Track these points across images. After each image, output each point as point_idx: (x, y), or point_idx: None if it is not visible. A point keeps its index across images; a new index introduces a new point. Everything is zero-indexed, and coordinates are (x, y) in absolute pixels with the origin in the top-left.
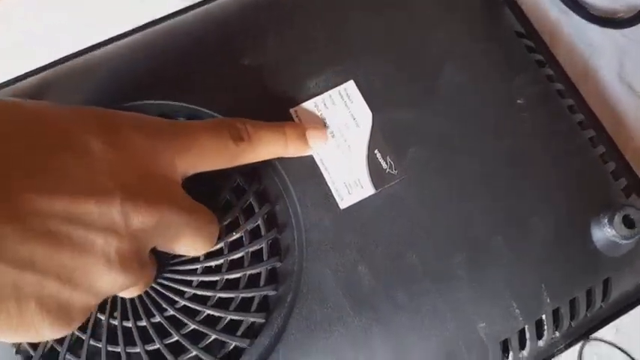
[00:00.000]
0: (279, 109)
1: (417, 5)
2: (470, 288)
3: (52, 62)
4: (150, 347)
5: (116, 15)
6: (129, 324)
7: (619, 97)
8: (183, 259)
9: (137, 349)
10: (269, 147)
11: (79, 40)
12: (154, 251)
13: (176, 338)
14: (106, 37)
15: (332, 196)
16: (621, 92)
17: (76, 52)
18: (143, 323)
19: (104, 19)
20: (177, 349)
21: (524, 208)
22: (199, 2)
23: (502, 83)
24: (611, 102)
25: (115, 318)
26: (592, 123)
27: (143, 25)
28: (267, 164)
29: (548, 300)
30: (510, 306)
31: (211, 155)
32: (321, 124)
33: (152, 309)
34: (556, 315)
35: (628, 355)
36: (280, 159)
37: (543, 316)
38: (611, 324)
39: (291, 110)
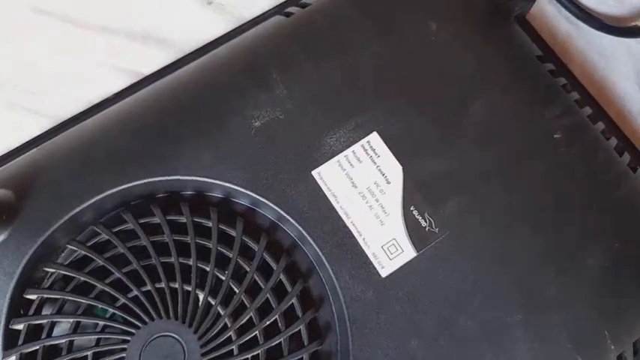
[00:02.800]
0: (300, 172)
1: (429, 40)
2: (531, 348)
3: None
4: None
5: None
6: None
7: None
8: (216, 354)
9: None
10: None
11: None
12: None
13: None
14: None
15: (371, 264)
16: None
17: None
18: None
19: None
20: None
21: (577, 253)
22: (186, 56)
23: (535, 117)
24: (633, 115)
25: None
26: (626, 146)
27: (128, 87)
28: (293, 234)
29: (612, 347)
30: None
31: None
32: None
33: None
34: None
35: None
36: (306, 225)
37: None
38: None
39: (314, 173)
